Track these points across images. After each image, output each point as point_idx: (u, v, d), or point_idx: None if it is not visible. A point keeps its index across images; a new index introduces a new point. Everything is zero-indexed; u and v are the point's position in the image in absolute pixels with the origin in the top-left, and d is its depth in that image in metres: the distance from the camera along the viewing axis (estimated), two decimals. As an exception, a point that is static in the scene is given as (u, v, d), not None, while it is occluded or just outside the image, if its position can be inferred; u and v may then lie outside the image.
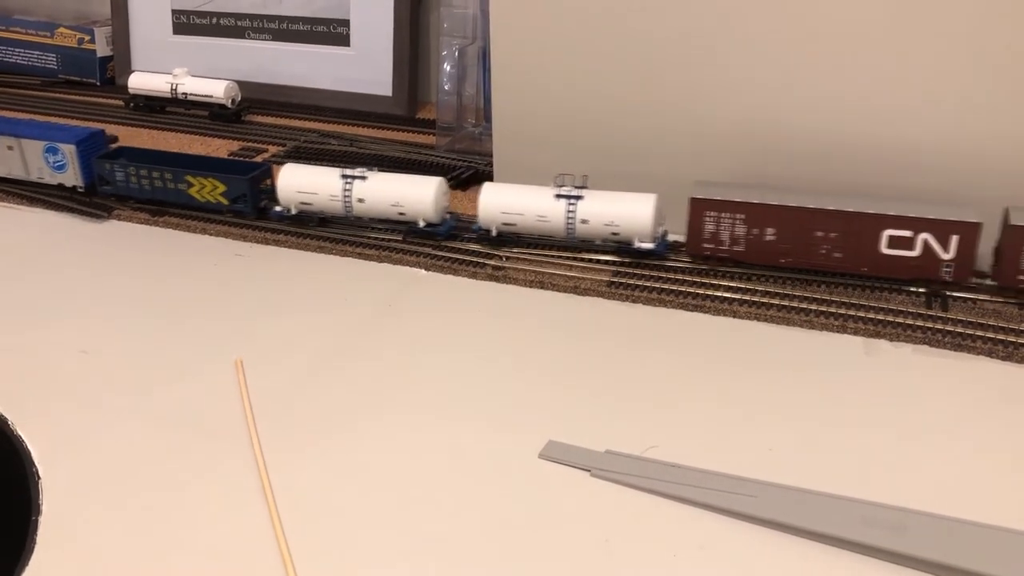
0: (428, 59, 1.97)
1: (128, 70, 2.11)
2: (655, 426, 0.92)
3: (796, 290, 1.17)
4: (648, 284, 1.19)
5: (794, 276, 1.19)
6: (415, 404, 0.97)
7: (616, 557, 0.76)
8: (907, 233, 1.14)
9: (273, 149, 1.74)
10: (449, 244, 1.31)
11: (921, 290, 1.15)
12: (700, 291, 1.17)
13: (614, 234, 1.24)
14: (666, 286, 1.19)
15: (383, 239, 1.33)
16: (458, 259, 1.27)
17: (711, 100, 1.27)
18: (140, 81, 1.97)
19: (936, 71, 1.17)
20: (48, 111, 1.97)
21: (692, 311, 1.15)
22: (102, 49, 2.21)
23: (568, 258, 1.26)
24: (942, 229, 1.12)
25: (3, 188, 1.54)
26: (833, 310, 1.12)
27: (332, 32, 1.99)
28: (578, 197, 1.24)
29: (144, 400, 0.98)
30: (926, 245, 1.13)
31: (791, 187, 1.22)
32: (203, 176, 1.40)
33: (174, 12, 2.13)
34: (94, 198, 1.48)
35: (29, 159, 1.51)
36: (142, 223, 1.42)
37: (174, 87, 1.92)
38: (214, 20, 2.10)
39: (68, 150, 1.47)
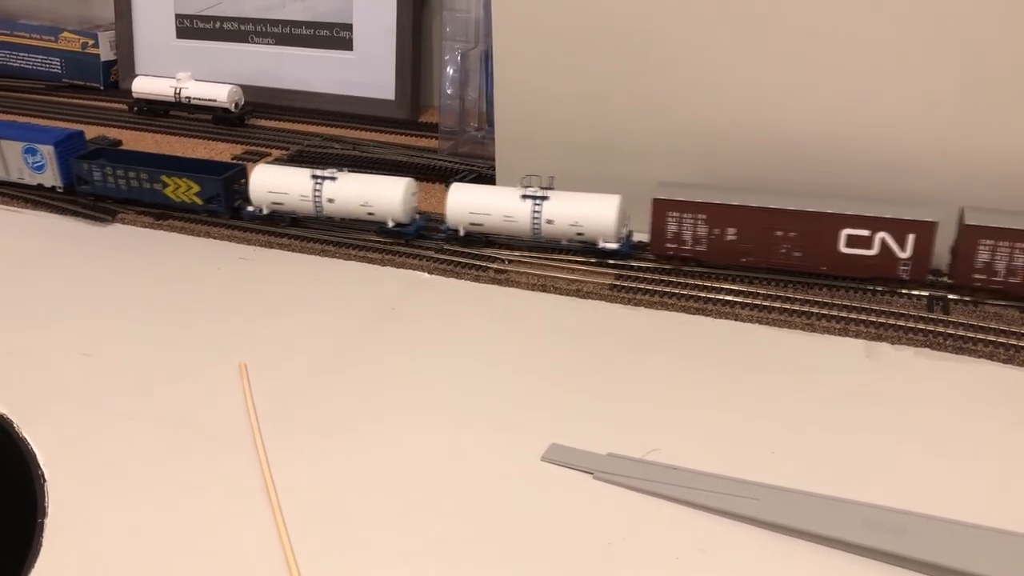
0: (431, 63, 1.98)
1: (132, 74, 2.12)
2: (657, 429, 0.93)
3: (798, 293, 1.17)
4: (650, 287, 1.20)
5: (796, 279, 1.19)
6: (418, 406, 0.98)
7: (618, 560, 0.76)
8: (865, 232, 1.15)
9: (276, 153, 1.75)
10: (450, 247, 1.31)
11: (923, 293, 1.15)
12: (702, 294, 1.17)
13: (579, 234, 1.25)
14: (668, 289, 1.19)
15: (384, 241, 1.33)
16: (461, 262, 1.28)
17: (710, 101, 1.27)
18: (144, 85, 1.98)
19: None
20: (52, 115, 1.98)
21: (694, 314, 1.15)
22: (106, 53, 2.22)
23: (570, 261, 1.27)
24: (899, 228, 1.13)
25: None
26: (834, 313, 1.12)
27: (335, 36, 2.00)
28: (543, 198, 1.25)
29: (146, 402, 0.99)
30: (884, 244, 1.14)
31: (758, 188, 1.23)
32: (178, 176, 1.41)
33: (178, 16, 2.14)
34: (78, 198, 1.49)
35: (9, 160, 1.52)
36: (146, 227, 1.43)
37: (178, 91, 1.93)
38: (217, 24, 2.10)
39: (47, 151, 1.49)
